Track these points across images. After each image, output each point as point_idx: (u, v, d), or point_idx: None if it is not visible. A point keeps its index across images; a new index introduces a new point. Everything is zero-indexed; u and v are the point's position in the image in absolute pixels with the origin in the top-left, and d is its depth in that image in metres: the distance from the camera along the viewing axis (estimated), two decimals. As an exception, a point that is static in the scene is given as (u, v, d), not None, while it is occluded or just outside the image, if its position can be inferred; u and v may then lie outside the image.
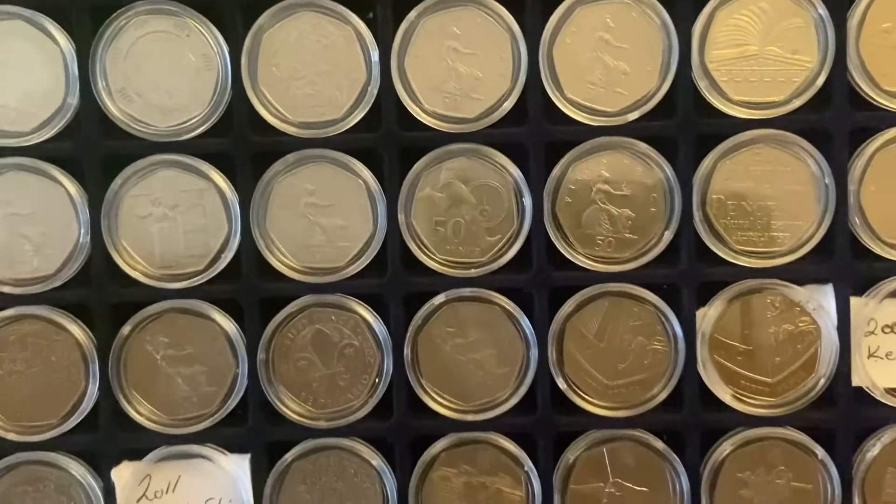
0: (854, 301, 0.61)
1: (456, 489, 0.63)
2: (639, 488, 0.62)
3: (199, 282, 0.62)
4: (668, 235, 0.61)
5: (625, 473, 0.62)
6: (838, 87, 0.60)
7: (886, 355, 0.62)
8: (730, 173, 0.61)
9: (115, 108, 0.61)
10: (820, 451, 0.61)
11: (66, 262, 0.62)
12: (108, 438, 0.63)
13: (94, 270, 0.62)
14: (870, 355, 0.62)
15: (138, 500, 0.63)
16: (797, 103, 0.60)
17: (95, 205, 0.61)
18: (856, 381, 0.62)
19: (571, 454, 0.62)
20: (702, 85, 0.60)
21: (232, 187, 0.62)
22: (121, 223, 0.62)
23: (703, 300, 0.62)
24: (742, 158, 0.61)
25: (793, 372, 0.62)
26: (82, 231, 0.61)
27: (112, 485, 0.62)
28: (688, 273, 0.62)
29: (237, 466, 0.63)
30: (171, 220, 0.62)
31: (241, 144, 0.62)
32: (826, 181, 0.60)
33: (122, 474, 0.63)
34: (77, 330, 0.62)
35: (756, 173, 0.61)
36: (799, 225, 0.61)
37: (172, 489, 0.63)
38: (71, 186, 0.61)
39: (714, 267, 0.62)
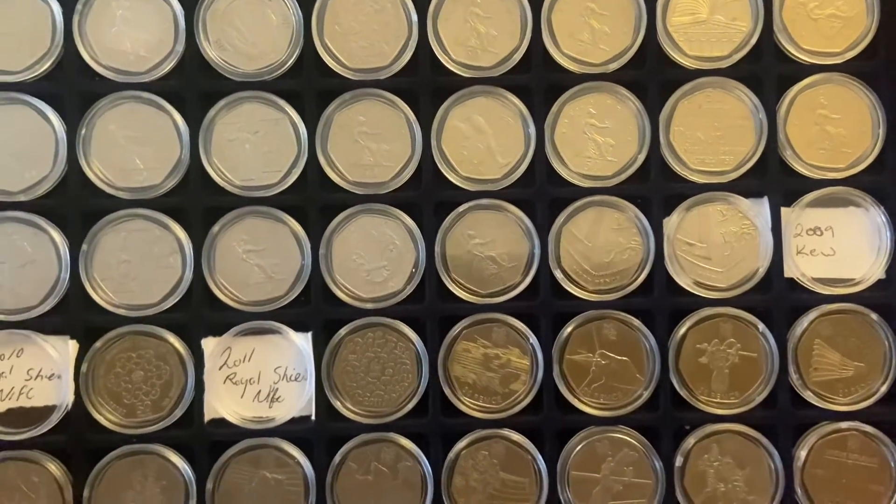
0: (784, 210, 0.79)
1: (475, 359, 0.79)
2: (620, 357, 0.78)
3: (274, 192, 0.78)
4: (641, 158, 0.79)
5: (609, 346, 0.79)
6: (767, 45, 0.79)
7: (811, 252, 0.79)
8: (687, 111, 0.79)
9: (211, 54, 0.78)
10: (761, 326, 0.78)
11: (169, 175, 0.78)
12: (197, 316, 0.78)
13: (192, 182, 0.79)
14: (798, 252, 0.79)
15: (220, 368, 0.78)
16: (737, 57, 0.79)
17: (194, 130, 0.78)
18: (787, 273, 0.79)
19: (566, 330, 0.78)
20: (665, 43, 0.79)
21: (300, 118, 0.79)
22: (213, 145, 0.79)
23: (669, 210, 0.79)
24: (697, 99, 0.79)
25: (737, 264, 0.79)
26: (183, 151, 0.78)
27: (201, 352, 0.78)
28: (656, 188, 0.79)
29: (302, 341, 0.78)
30: (253, 143, 0.79)
31: (310, 84, 0.79)
32: (760, 117, 0.78)
33: (209, 345, 0.78)
34: (177, 228, 0.78)
35: (707, 111, 0.79)
36: (741, 150, 0.79)
37: (248, 359, 0.79)
38: (176, 115, 0.78)
39: (677, 183, 0.79)
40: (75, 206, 0.78)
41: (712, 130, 0.79)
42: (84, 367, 0.76)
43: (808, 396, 0.78)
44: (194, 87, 0.79)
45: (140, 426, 0.77)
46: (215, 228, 0.78)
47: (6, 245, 0.77)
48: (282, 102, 0.79)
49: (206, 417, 0.78)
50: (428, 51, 0.79)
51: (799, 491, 0.77)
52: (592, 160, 0.79)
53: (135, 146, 0.78)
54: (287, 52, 0.78)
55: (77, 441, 0.77)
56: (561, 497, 0.78)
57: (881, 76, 0.78)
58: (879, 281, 0.79)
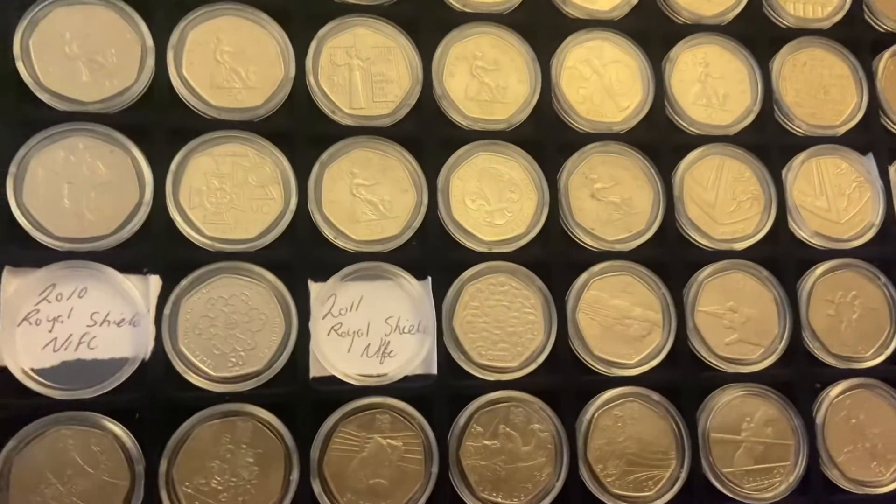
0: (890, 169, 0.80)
1: (605, 311, 0.72)
2: (751, 310, 0.74)
3: (385, 124, 0.71)
4: (756, 109, 0.78)
5: (740, 298, 0.74)
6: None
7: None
8: (792, 67, 0.80)
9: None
10: (883, 277, 0.77)
11: (271, 97, 0.69)
12: (302, 255, 0.67)
13: (296, 105, 0.69)
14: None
15: (324, 317, 0.67)
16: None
17: (301, 51, 0.70)
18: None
19: (699, 279, 0.74)
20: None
21: (414, 47, 0.72)
22: (321, 68, 0.70)
23: (784, 160, 0.78)
24: (800, 57, 0.81)
25: (854, 216, 0.78)
26: (287, 69, 0.69)
27: (305, 296, 0.66)
28: (773, 137, 0.79)
29: (419, 288, 0.69)
30: (363, 70, 0.71)
31: (427, 12, 0.74)
32: (860, 75, 0.80)
33: (313, 290, 0.67)
34: (281, 158, 0.68)
35: (811, 67, 0.81)
36: (843, 108, 0.81)
37: (356, 308, 0.68)
38: (279, 32, 0.70)
39: (789, 135, 0.79)
40: (162, 122, 0.66)
41: (818, 88, 0.80)
42: (167, 310, 0.63)
43: (933, 352, 0.76)
44: (302, 3, 0.71)
45: (232, 382, 0.63)
46: (323, 157, 0.69)
47: (75, 162, 0.64)
48: (395, 29, 0.72)
49: (312, 374, 0.66)
50: (547, -9, 0.76)
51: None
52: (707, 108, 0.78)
53: (234, 62, 0.69)
54: (402, -15, 0.73)
55: (152, 401, 0.62)
56: (703, 462, 0.70)
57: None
58: None
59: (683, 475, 0.69)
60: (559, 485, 0.67)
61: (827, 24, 0.81)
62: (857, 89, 0.81)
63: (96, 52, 0.66)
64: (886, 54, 0.82)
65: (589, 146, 0.74)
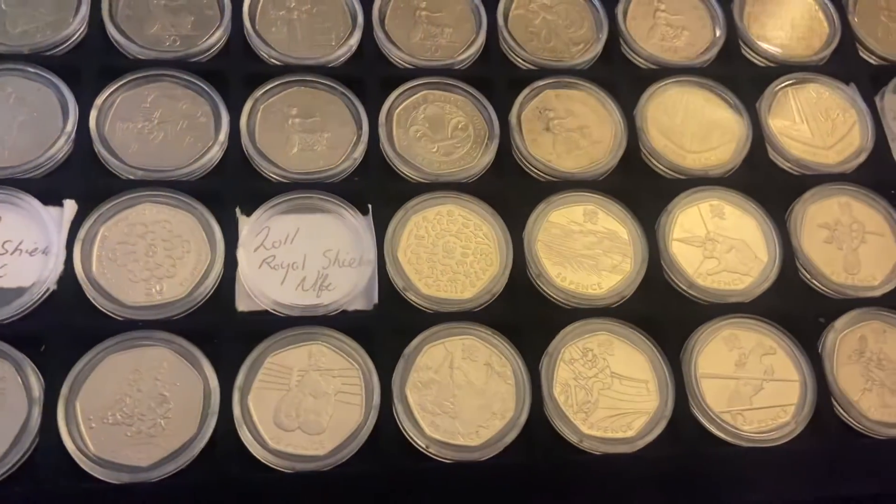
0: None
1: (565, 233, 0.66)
2: (736, 238, 0.67)
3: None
4: (721, 41, 0.74)
5: (722, 227, 0.67)
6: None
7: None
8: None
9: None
10: (882, 202, 0.69)
11: (212, 43, 0.68)
12: (231, 185, 0.63)
13: (232, 51, 0.68)
14: None
15: (255, 250, 0.62)
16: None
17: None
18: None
19: (672, 209, 0.67)
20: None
21: None
22: (258, 18, 0.70)
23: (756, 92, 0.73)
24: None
25: (842, 140, 0.72)
26: (224, 21, 0.69)
27: (235, 227, 0.62)
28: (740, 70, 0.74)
29: (363, 220, 0.64)
30: (302, 21, 0.71)
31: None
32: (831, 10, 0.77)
33: (243, 222, 0.62)
34: (213, 92, 0.66)
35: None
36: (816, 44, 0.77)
37: (291, 241, 0.63)
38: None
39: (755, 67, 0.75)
40: (92, 62, 0.66)
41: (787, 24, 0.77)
42: (81, 233, 0.59)
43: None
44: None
45: (149, 310, 0.58)
46: (258, 93, 0.67)
47: (2, 97, 0.63)
48: (337, -22, 0.72)
49: (239, 307, 0.60)
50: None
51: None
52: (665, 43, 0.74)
53: (170, 15, 0.69)
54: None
55: (60, 327, 0.57)
56: (691, 400, 0.61)
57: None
58: None
59: (668, 415, 0.60)
60: (521, 422, 0.58)
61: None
62: (828, 23, 0.77)
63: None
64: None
65: (541, 81, 0.71)
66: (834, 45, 0.76)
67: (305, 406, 0.57)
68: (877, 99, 0.74)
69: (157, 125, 0.64)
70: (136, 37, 0.67)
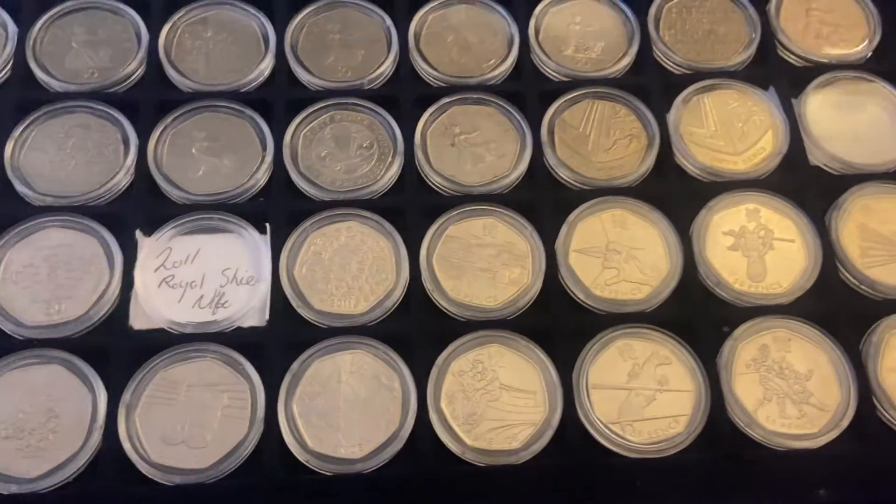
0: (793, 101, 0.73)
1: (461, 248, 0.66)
2: (638, 248, 0.67)
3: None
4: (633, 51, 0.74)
5: (621, 236, 0.67)
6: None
7: (833, 137, 0.71)
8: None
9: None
10: (795, 207, 0.67)
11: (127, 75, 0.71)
12: (138, 207, 0.66)
13: (147, 82, 0.71)
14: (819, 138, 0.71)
15: (156, 270, 0.65)
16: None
17: (155, 34, 0.73)
18: (812, 161, 0.71)
19: (570, 219, 0.67)
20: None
21: (269, 22, 0.74)
22: (175, 47, 0.73)
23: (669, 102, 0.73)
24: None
25: (754, 145, 0.70)
26: (140, 54, 0.72)
27: (133, 245, 0.65)
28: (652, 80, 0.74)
29: (257, 240, 0.66)
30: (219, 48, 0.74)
31: (281, -8, 0.76)
32: (751, 13, 0.76)
33: (144, 244, 0.65)
34: (124, 121, 0.69)
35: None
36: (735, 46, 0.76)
37: (191, 261, 0.65)
38: (134, 16, 0.74)
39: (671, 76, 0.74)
40: (10, 98, 0.70)
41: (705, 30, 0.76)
42: (-14, 257, 0.63)
43: (861, 286, 0.65)
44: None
45: (48, 329, 0.61)
46: (168, 119, 0.69)
47: None
48: (251, 9, 0.75)
49: (134, 324, 0.62)
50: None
51: (877, 393, 0.61)
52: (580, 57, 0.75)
53: (89, 49, 0.73)
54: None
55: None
56: (580, 411, 0.61)
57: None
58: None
59: (554, 425, 0.60)
60: (404, 434, 0.59)
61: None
62: (747, 25, 0.76)
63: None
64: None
65: (446, 98, 0.72)
66: (754, 48, 0.75)
67: (191, 420, 0.59)
68: (794, 102, 0.72)
69: (69, 153, 0.68)
70: (56, 71, 0.71)
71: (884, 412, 0.61)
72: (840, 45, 0.75)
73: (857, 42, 0.75)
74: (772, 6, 0.77)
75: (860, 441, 0.60)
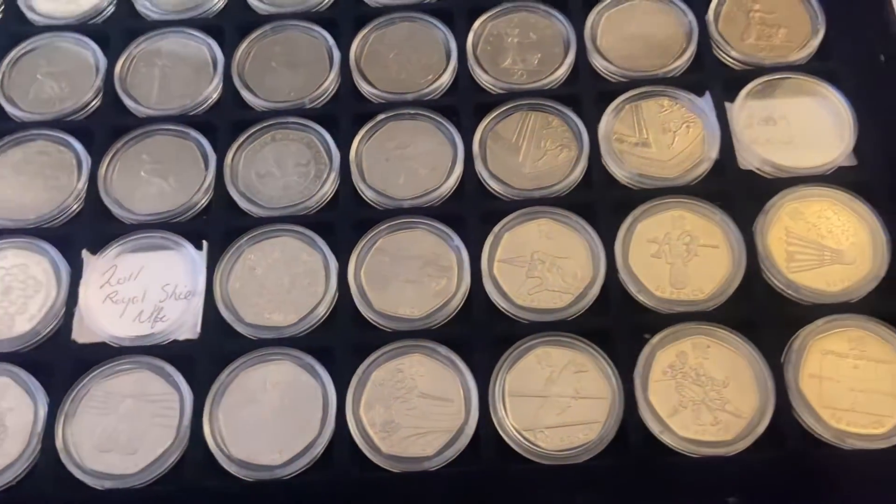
0: (728, 105, 0.72)
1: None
2: (562, 257, 0.68)
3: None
4: (569, 60, 0.75)
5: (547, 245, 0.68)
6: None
7: (766, 141, 0.70)
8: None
9: None
10: (719, 214, 0.67)
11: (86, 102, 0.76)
12: (87, 228, 0.71)
13: (104, 106, 0.76)
14: (752, 143, 0.70)
15: (101, 287, 0.69)
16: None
17: (112, 63, 0.78)
18: (742, 165, 0.70)
19: (496, 231, 0.69)
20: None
21: (219, 49, 0.78)
22: (130, 75, 0.78)
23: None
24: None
25: (682, 152, 0.70)
26: (97, 79, 0.77)
27: (81, 264, 0.69)
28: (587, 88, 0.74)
29: (196, 256, 0.69)
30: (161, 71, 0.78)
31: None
32: (689, 18, 0.76)
33: (90, 262, 0.69)
34: (79, 148, 0.74)
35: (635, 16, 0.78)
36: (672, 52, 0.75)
37: (135, 277, 0.69)
38: (95, 50, 0.79)
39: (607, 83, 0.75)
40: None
41: (642, 37, 0.76)
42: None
43: (788, 288, 0.65)
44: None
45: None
46: (118, 144, 0.74)
47: None
48: (200, 35, 0.79)
49: (77, 339, 0.67)
50: None
51: (796, 401, 0.61)
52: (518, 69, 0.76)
53: (51, 80, 0.78)
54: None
55: None
56: (494, 418, 0.62)
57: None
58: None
59: (469, 433, 0.61)
60: (323, 441, 0.61)
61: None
62: (685, 30, 0.76)
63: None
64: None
65: (382, 115, 0.74)
66: (691, 53, 0.74)
67: (123, 428, 0.63)
68: (728, 106, 0.72)
69: (29, 179, 0.73)
70: (20, 101, 0.77)
71: (802, 420, 0.60)
72: (781, 47, 0.74)
73: (800, 43, 0.74)
74: (712, 8, 0.76)
75: (776, 449, 0.60)
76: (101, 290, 0.69)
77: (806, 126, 0.71)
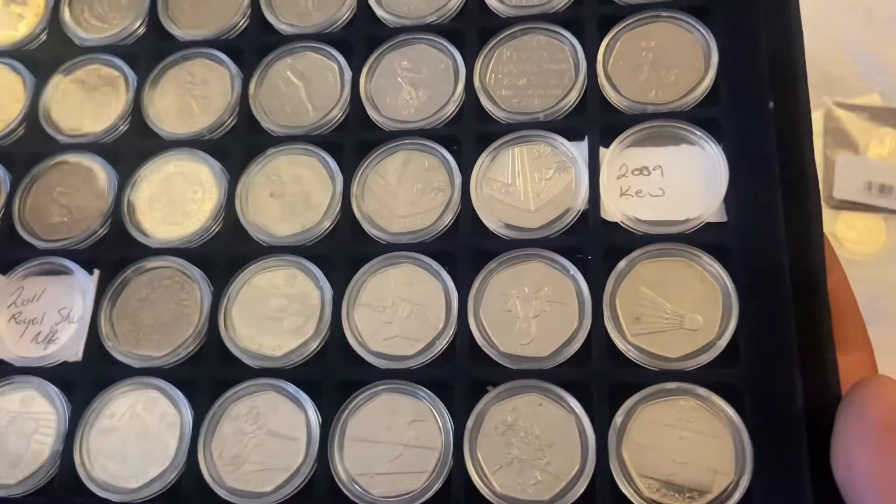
0: (602, 150, 0.71)
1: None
2: (415, 304, 0.69)
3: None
4: (456, 98, 0.75)
5: (404, 291, 0.70)
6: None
7: (636, 193, 0.69)
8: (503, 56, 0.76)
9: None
10: (572, 269, 0.67)
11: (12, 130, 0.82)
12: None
13: (28, 132, 0.82)
14: (622, 194, 0.69)
15: (8, 307, 0.75)
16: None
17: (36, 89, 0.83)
18: (609, 217, 0.69)
19: (361, 273, 0.71)
20: (485, -3, 0.78)
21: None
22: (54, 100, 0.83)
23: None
24: (513, 45, 0.76)
25: (550, 202, 0.70)
26: (27, 102, 0.82)
27: (0, 285, 0.76)
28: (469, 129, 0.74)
29: (86, 282, 0.75)
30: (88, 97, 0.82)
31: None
32: (578, 56, 0.73)
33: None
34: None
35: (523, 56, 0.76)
36: (554, 93, 0.74)
37: (38, 299, 0.76)
38: (26, 73, 0.84)
39: (491, 125, 0.74)
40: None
41: (528, 74, 0.75)
42: None
43: (629, 351, 0.64)
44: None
45: None
46: (33, 171, 0.80)
47: None
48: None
49: (-15, 354, 0.74)
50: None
51: (616, 464, 0.62)
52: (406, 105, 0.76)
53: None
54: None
55: None
56: (330, 462, 0.65)
57: (711, 8, 0.73)
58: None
59: (305, 473, 0.65)
60: (173, 470, 0.67)
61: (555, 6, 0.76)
62: (573, 68, 0.74)
63: None
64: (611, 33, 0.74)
65: (272, 150, 0.76)
66: (574, 96, 0.73)
67: (7, 442, 0.70)
68: (602, 152, 0.70)
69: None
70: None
71: (624, 485, 0.61)
72: (667, 90, 0.71)
73: (688, 86, 0.71)
74: (603, 46, 0.74)
75: (590, 513, 0.61)
76: (8, 310, 0.75)
77: (680, 177, 0.69)
